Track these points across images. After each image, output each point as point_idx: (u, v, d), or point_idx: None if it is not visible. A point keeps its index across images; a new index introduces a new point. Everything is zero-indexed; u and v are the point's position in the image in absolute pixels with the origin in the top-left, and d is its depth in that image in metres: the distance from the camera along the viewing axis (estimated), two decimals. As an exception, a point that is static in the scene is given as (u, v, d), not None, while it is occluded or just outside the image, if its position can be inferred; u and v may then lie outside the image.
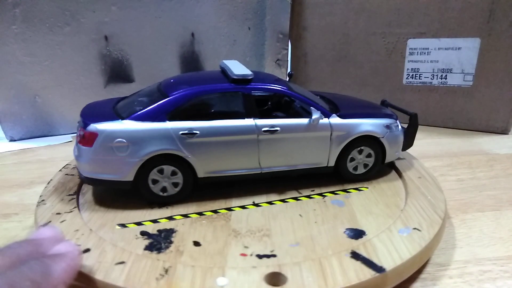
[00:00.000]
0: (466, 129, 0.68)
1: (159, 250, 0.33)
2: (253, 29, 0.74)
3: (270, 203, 0.40)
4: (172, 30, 0.69)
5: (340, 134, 0.42)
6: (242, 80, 0.40)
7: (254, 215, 0.38)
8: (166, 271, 0.29)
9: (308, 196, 0.42)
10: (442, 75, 0.67)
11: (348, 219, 0.37)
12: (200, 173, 0.40)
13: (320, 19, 0.73)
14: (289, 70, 0.80)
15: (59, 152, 0.60)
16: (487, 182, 0.48)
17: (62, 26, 0.62)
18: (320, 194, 0.42)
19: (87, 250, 0.32)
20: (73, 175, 0.45)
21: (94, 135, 0.37)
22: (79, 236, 0.34)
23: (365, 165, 0.45)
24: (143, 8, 0.65)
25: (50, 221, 0.36)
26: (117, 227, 0.36)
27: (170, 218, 0.38)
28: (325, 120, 0.42)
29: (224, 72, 0.44)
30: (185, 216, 0.38)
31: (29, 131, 0.67)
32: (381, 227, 0.35)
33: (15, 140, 0.66)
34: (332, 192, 0.43)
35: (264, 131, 0.40)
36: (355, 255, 0.31)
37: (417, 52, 0.67)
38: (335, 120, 0.42)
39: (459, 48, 0.64)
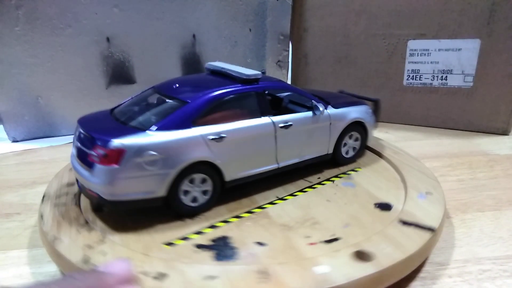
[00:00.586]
0: (466, 130, 0.68)
1: (230, 257, 0.32)
2: (254, 31, 0.74)
3: (292, 195, 0.42)
4: (173, 32, 0.69)
5: (337, 123, 0.46)
6: (252, 80, 0.41)
7: (288, 208, 0.39)
8: (264, 273, 0.29)
9: (320, 183, 0.44)
10: (442, 76, 0.67)
11: (369, 196, 0.42)
12: (227, 177, 0.39)
13: (320, 20, 0.73)
14: (290, 71, 0.81)
15: (61, 153, 0.61)
16: (487, 183, 0.49)
17: (65, 28, 0.63)
18: (328, 180, 0.45)
19: (162, 276, 0.28)
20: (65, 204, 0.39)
21: (120, 151, 0.33)
22: (139, 263, 0.30)
23: (354, 149, 0.50)
24: (144, 9, 0.66)
25: (89, 259, 0.30)
26: (165, 246, 0.33)
27: (213, 226, 0.36)
28: (325, 112, 0.45)
29: (218, 73, 0.44)
30: (226, 221, 0.37)
31: (31, 132, 0.67)
32: (400, 197, 0.41)
33: (17, 141, 0.66)
34: (336, 176, 0.46)
35: (281, 127, 0.41)
36: (405, 223, 0.35)
37: (418, 53, 0.68)
38: (331, 110, 0.46)
39: (459, 49, 0.65)
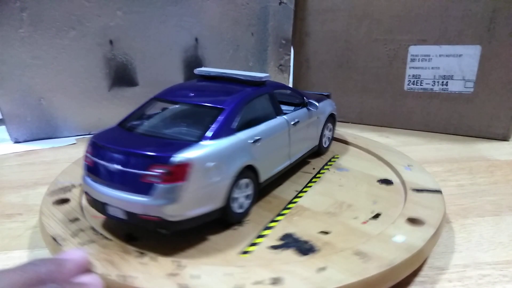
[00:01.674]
0: (467, 135, 0.68)
1: (310, 250, 0.33)
2: (256, 35, 0.75)
3: (307, 186, 0.45)
4: (176, 35, 0.69)
5: (321, 116, 0.51)
6: (262, 82, 0.42)
7: (315, 198, 0.42)
8: (360, 254, 0.31)
9: (319, 173, 0.48)
10: (443, 82, 0.68)
11: (367, 176, 0.47)
12: (261, 178, 0.39)
13: (322, 25, 0.74)
14: (291, 75, 0.81)
15: (62, 154, 0.61)
16: (487, 188, 0.49)
17: (68, 30, 0.63)
18: (323, 169, 0.49)
19: (279, 280, 0.28)
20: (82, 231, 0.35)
21: (186, 166, 0.30)
22: (245, 275, 0.29)
23: (328, 139, 0.55)
24: (147, 13, 0.66)
25: None
26: (242, 255, 0.32)
27: (267, 228, 0.36)
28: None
29: (213, 78, 0.44)
30: (275, 221, 0.37)
31: (33, 133, 0.67)
32: (390, 172, 0.48)
33: (19, 142, 0.67)
34: (326, 165, 0.51)
35: (292, 124, 0.44)
36: (418, 190, 0.42)
37: (419, 59, 0.68)
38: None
39: (460, 55, 0.65)
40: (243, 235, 0.35)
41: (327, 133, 0.54)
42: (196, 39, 0.71)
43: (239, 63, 0.75)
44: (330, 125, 0.54)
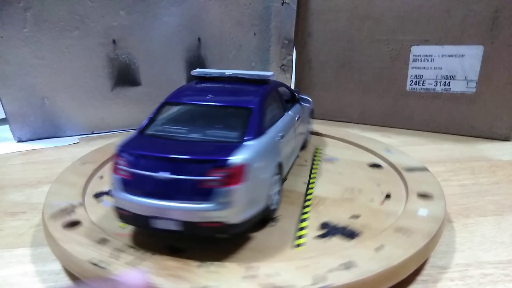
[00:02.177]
0: (469, 136, 0.68)
1: (353, 234, 0.35)
2: (258, 35, 0.75)
3: (311, 178, 0.46)
4: (179, 35, 0.70)
5: (307, 111, 0.53)
6: (267, 81, 0.43)
7: (326, 187, 0.44)
8: (402, 230, 0.34)
9: (313, 164, 0.50)
10: (445, 82, 0.68)
11: (357, 162, 0.51)
12: (284, 174, 0.40)
13: (324, 25, 0.74)
14: (293, 75, 0.81)
15: (65, 153, 0.61)
16: (489, 188, 0.49)
17: (72, 30, 0.63)
18: (314, 160, 0.52)
19: (351, 264, 0.29)
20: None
21: (243, 167, 0.30)
22: (314, 265, 0.29)
23: (308, 132, 0.56)
24: (150, 12, 0.67)
25: None
26: (297, 249, 0.33)
27: (302, 220, 0.37)
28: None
29: (211, 79, 0.44)
30: (304, 213, 0.39)
31: (37, 132, 0.68)
32: (374, 156, 0.53)
33: (23, 141, 0.67)
34: (315, 156, 0.53)
35: (297, 119, 0.46)
36: (409, 169, 0.46)
37: (421, 59, 0.68)
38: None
39: (462, 55, 0.65)
40: (284, 230, 0.36)
41: (309, 126, 0.57)
42: (199, 39, 0.71)
43: (242, 63, 0.75)
44: (310, 120, 0.57)
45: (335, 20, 0.73)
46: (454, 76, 0.67)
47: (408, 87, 0.71)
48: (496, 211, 0.43)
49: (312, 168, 0.49)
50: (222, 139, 0.33)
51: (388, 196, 0.42)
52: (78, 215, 0.36)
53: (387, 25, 0.69)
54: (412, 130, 0.72)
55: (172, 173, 0.29)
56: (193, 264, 0.29)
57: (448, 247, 0.37)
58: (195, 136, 0.34)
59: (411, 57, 0.69)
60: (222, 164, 0.29)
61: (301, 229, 0.36)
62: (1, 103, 0.64)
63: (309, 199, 0.41)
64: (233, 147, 0.31)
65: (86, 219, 0.36)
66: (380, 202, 0.40)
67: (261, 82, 0.42)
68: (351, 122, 0.77)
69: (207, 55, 0.73)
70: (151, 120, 0.37)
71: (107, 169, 0.48)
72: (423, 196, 0.40)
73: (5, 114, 0.65)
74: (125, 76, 0.69)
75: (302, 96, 0.53)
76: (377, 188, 0.44)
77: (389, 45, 0.70)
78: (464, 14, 0.63)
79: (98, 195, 0.42)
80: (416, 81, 0.70)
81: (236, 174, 0.29)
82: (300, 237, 0.34)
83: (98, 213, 0.38)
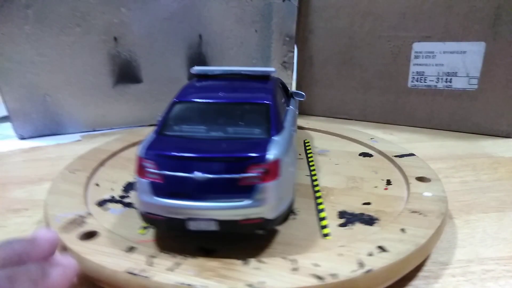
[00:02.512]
0: (471, 133, 0.68)
1: (372, 220, 0.36)
2: (260, 32, 0.75)
3: (310, 170, 0.48)
4: (180, 32, 0.70)
5: (296, 104, 0.52)
6: (269, 76, 0.43)
7: (329, 178, 0.45)
8: (417, 212, 0.36)
9: (307, 156, 0.52)
10: (447, 79, 0.67)
11: (347, 152, 0.53)
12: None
13: (326, 22, 0.74)
14: (295, 72, 0.81)
15: (67, 151, 0.61)
16: (491, 184, 0.49)
17: (73, 27, 0.63)
18: (306, 152, 0.53)
19: (382, 248, 0.31)
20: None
21: (278, 162, 0.30)
22: (345, 252, 0.30)
23: None
24: (151, 9, 0.67)
25: None
26: (327, 238, 0.34)
27: (320, 211, 0.38)
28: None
29: (210, 77, 0.44)
30: (319, 203, 0.40)
31: (38, 130, 0.68)
32: (361, 146, 0.55)
33: (24, 138, 0.67)
34: (305, 148, 0.55)
35: (297, 113, 0.47)
36: (399, 156, 0.49)
37: (422, 56, 0.68)
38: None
39: (464, 51, 0.65)
40: (305, 222, 0.36)
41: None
42: (200, 36, 0.71)
43: (243, 60, 0.75)
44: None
45: (337, 17, 0.73)
46: (455, 72, 0.66)
47: (409, 84, 0.71)
48: (497, 208, 0.43)
49: (309, 161, 0.50)
50: (248, 136, 0.33)
51: (388, 182, 0.44)
52: (90, 225, 0.34)
53: (388, 22, 0.69)
54: (414, 127, 0.72)
55: (210, 173, 0.29)
56: (236, 263, 0.29)
57: (450, 243, 0.37)
58: (217, 134, 0.33)
59: (413, 54, 0.69)
60: (260, 160, 0.29)
61: (322, 219, 0.37)
62: (3, 101, 0.64)
63: (318, 191, 0.42)
64: (264, 143, 0.31)
65: (102, 229, 0.34)
66: (383, 188, 0.43)
67: (264, 78, 0.42)
68: (352, 119, 0.77)
69: (208, 52, 0.73)
70: (166, 121, 0.35)
71: (100, 176, 0.46)
72: (421, 179, 0.43)
73: (7, 112, 0.65)
74: (126, 73, 0.69)
75: (295, 91, 0.53)
76: (375, 175, 0.46)
77: (391, 41, 0.70)
78: (466, 11, 0.63)
79: (101, 204, 0.40)
80: (417, 78, 0.70)
81: (273, 169, 0.29)
82: (324, 227, 0.35)
83: (109, 221, 0.36)
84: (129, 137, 0.57)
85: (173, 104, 0.36)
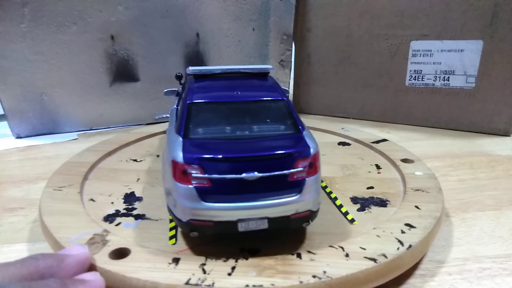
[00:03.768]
0: (468, 131, 0.68)
1: (383, 201, 0.39)
2: (257, 30, 0.74)
3: None
4: (177, 30, 0.69)
5: None
6: (268, 73, 0.43)
7: (326, 168, 0.47)
8: (423, 190, 0.40)
9: None
10: (444, 77, 0.67)
11: (329, 143, 0.56)
12: None
13: (323, 20, 0.74)
14: (292, 71, 0.81)
15: (64, 149, 0.61)
16: (488, 183, 0.49)
17: (70, 25, 0.63)
18: None
19: (411, 226, 0.33)
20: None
21: (318, 155, 0.31)
22: (393, 237, 0.32)
23: None
24: (149, 8, 0.66)
25: None
26: (354, 223, 0.35)
27: (333, 200, 0.40)
28: None
29: (220, 75, 0.43)
30: (329, 193, 0.41)
31: (35, 129, 0.67)
32: (338, 136, 0.58)
33: (21, 137, 0.67)
34: None
35: None
36: (376, 142, 0.54)
37: (420, 54, 0.68)
38: None
39: (461, 50, 0.65)
40: (326, 211, 0.37)
41: None
42: (198, 35, 0.71)
43: (241, 58, 0.75)
44: None
45: (334, 15, 0.72)
46: (453, 71, 0.66)
47: (407, 82, 0.71)
48: (494, 206, 0.43)
49: None
50: (277, 133, 0.33)
51: (378, 166, 0.47)
52: (115, 242, 0.31)
53: (386, 20, 0.69)
54: (411, 126, 0.72)
55: (260, 171, 0.28)
56: (289, 258, 0.29)
57: (446, 242, 0.37)
58: (244, 133, 0.33)
59: (410, 52, 0.68)
60: (306, 155, 0.29)
61: (340, 206, 0.38)
62: (-1, 99, 0.64)
63: (322, 181, 0.43)
64: (300, 138, 0.32)
65: (129, 244, 0.31)
66: (376, 172, 0.46)
67: (263, 75, 0.42)
68: (350, 118, 0.77)
69: (206, 51, 0.73)
70: (187, 124, 0.33)
71: (91, 191, 0.42)
72: (406, 160, 0.47)
73: (3, 110, 0.65)
74: (123, 72, 0.69)
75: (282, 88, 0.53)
76: (363, 161, 0.49)
77: (388, 40, 0.70)
78: (463, 9, 0.63)
79: (109, 219, 0.36)
80: (415, 76, 0.70)
81: (315, 163, 0.30)
82: (346, 213, 0.37)
83: (130, 236, 0.34)
84: (101, 147, 0.53)
85: (189, 106, 0.35)
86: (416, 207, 0.37)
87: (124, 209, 0.38)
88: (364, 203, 0.39)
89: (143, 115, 0.72)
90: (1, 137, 0.67)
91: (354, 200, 0.40)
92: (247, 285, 0.26)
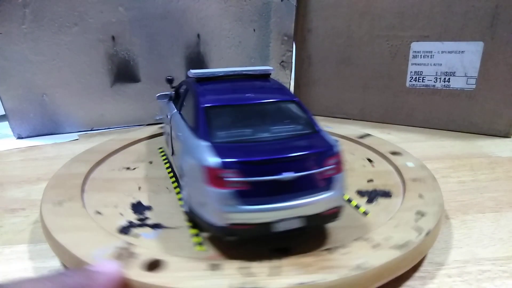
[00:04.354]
0: (469, 132, 0.68)
1: (386, 192, 0.41)
2: (258, 31, 0.74)
3: None
4: (178, 31, 0.69)
5: None
6: (269, 75, 0.43)
7: None
8: (416, 180, 0.42)
9: None
10: (445, 78, 0.67)
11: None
12: None
13: (324, 21, 0.74)
14: (293, 71, 0.81)
15: (65, 150, 0.61)
16: (488, 184, 0.49)
17: (71, 26, 0.63)
18: None
19: (422, 213, 0.36)
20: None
21: (341, 152, 0.32)
22: (410, 226, 0.34)
23: None
24: (149, 9, 0.66)
25: None
26: (367, 216, 0.37)
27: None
28: None
29: (223, 77, 0.43)
30: None
31: (36, 129, 0.68)
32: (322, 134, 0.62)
33: (22, 138, 0.67)
34: None
35: None
36: (362, 137, 0.56)
37: (421, 55, 0.68)
38: None
39: (462, 51, 0.65)
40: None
41: None
42: (198, 35, 0.71)
43: (241, 59, 0.75)
44: None
45: (335, 16, 0.73)
46: (454, 72, 0.66)
47: (408, 84, 0.71)
48: (494, 208, 0.43)
49: None
50: (297, 132, 0.34)
51: (369, 160, 0.49)
52: (142, 254, 0.30)
53: (387, 21, 0.69)
54: (412, 127, 0.72)
55: (296, 171, 0.29)
56: (323, 254, 0.31)
57: (446, 244, 0.37)
58: (267, 135, 0.33)
59: (411, 53, 0.69)
60: (334, 153, 0.31)
61: (350, 200, 0.40)
62: (0, 100, 0.64)
63: None
64: (321, 137, 0.33)
65: (159, 255, 0.30)
66: (371, 166, 0.47)
67: (265, 76, 0.43)
68: (350, 119, 0.77)
69: (207, 52, 0.73)
70: (209, 128, 0.33)
71: (93, 204, 0.40)
72: (394, 153, 0.49)
73: (5, 111, 0.65)
74: (124, 73, 0.69)
75: None
76: (354, 156, 0.50)
77: (389, 41, 0.70)
78: (464, 10, 0.63)
79: (124, 231, 0.35)
80: (416, 78, 0.70)
81: (341, 159, 0.32)
82: (357, 206, 0.39)
83: (155, 246, 0.33)
84: (88, 156, 0.50)
85: (206, 110, 0.34)
86: (420, 195, 0.39)
87: (136, 219, 0.37)
88: (370, 196, 0.41)
89: (143, 116, 0.73)
90: (2, 137, 0.67)
91: (360, 193, 0.41)
92: (297, 283, 0.27)
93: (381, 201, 0.40)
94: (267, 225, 0.29)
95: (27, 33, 0.61)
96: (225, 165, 0.28)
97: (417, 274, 0.33)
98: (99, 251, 0.31)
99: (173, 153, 0.45)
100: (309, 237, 0.33)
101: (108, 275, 0.25)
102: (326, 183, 0.30)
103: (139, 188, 0.43)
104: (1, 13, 0.59)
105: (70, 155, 0.57)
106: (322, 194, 0.30)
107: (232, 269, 0.29)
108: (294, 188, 0.29)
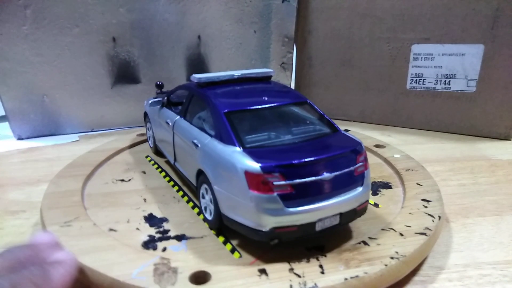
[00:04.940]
0: (469, 135, 0.68)
1: (387, 185, 0.44)
2: (258, 33, 0.74)
3: None
4: (179, 32, 0.69)
5: None
6: (271, 77, 0.45)
7: None
8: (410, 169, 0.46)
9: None
10: (445, 81, 0.67)
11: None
12: None
13: (325, 23, 0.74)
14: (293, 73, 0.81)
15: (65, 151, 0.61)
16: (489, 188, 0.49)
17: (71, 27, 0.63)
18: None
19: (428, 200, 0.39)
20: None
21: (365, 150, 0.34)
22: (424, 212, 0.37)
23: None
24: (150, 10, 0.66)
25: None
26: (379, 207, 0.40)
27: None
28: None
29: (228, 81, 0.43)
30: None
31: (36, 130, 0.68)
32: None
33: (22, 139, 0.67)
34: None
35: None
36: (347, 131, 0.50)
37: (421, 58, 0.68)
38: None
39: (463, 54, 0.65)
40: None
41: None
42: (199, 37, 0.71)
43: (242, 61, 0.75)
44: None
45: (336, 18, 0.73)
46: (454, 75, 0.67)
47: (408, 86, 0.71)
48: (495, 211, 0.43)
49: None
50: (321, 132, 0.35)
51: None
52: (185, 268, 0.30)
53: (387, 24, 0.69)
54: (412, 129, 0.72)
55: (334, 170, 0.31)
56: (359, 247, 0.32)
57: (447, 247, 0.37)
58: (292, 136, 0.34)
59: (412, 56, 0.69)
60: (362, 150, 0.33)
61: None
62: (1, 101, 0.64)
63: None
64: (345, 135, 0.35)
65: (201, 266, 0.30)
66: (365, 165, 0.50)
67: (267, 79, 0.43)
68: (351, 121, 0.77)
69: (207, 53, 0.73)
70: (237, 133, 0.33)
71: (102, 221, 0.38)
72: (378, 146, 0.53)
73: (5, 112, 0.65)
74: (125, 74, 0.69)
75: None
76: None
77: (390, 43, 0.70)
78: (465, 13, 0.63)
79: (147, 246, 0.34)
80: (416, 80, 0.70)
81: (367, 156, 0.34)
82: (375, 206, 0.40)
83: (188, 259, 0.32)
84: (75, 171, 0.48)
85: (227, 115, 0.34)
86: (418, 184, 0.42)
87: (158, 232, 0.36)
88: (372, 188, 0.42)
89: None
90: (3, 138, 0.67)
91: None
92: (356, 276, 0.28)
93: (384, 192, 0.43)
94: (309, 225, 0.30)
95: (28, 34, 0.61)
96: (268, 169, 0.29)
97: (417, 278, 0.33)
98: (135, 269, 0.29)
99: (175, 161, 0.45)
100: (333, 234, 0.34)
101: (46, 243, 0.29)
102: (358, 179, 0.32)
103: (145, 200, 0.42)
104: (2, 14, 0.59)
105: (71, 156, 0.57)
106: (356, 190, 0.32)
107: (281, 271, 0.29)
108: (333, 187, 0.31)
